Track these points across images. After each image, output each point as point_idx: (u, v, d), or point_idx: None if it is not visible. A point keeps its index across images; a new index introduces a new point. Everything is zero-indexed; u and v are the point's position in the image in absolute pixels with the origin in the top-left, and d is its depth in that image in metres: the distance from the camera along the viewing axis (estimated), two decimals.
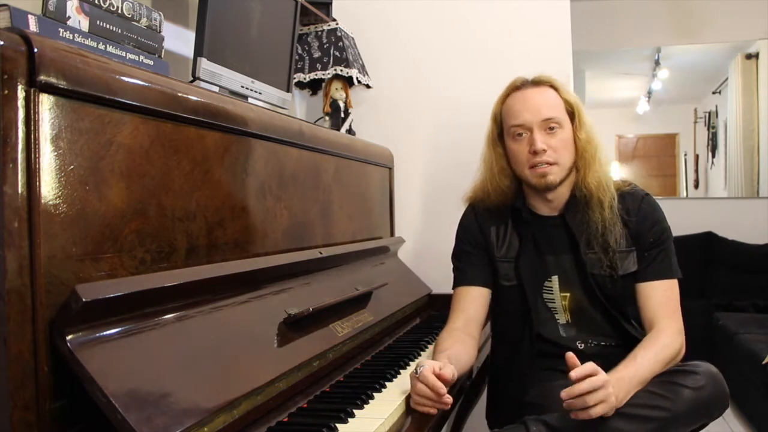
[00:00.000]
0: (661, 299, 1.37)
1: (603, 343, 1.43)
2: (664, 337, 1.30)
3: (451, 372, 1.15)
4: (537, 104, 1.39)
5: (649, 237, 1.41)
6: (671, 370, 1.22)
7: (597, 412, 1.09)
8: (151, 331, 0.88)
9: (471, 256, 1.52)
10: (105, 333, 0.81)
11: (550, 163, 1.38)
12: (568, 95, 1.43)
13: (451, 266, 1.56)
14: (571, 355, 1.13)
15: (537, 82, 1.44)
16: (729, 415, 3.14)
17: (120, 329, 0.83)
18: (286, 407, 1.08)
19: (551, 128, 1.38)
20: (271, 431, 0.99)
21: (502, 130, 1.47)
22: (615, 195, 1.41)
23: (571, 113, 1.42)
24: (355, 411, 1.07)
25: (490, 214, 1.51)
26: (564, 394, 1.09)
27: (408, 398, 1.18)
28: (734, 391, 3.22)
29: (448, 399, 1.10)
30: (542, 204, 1.47)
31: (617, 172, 5.05)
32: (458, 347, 1.34)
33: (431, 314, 2.01)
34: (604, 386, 1.09)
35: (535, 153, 1.37)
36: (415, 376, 1.14)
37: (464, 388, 1.38)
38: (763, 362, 2.67)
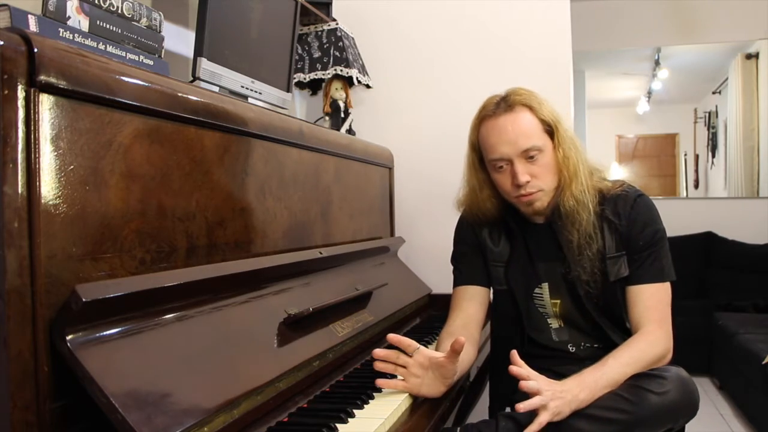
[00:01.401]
0: (648, 303, 1.34)
1: (596, 345, 1.43)
2: (643, 341, 1.28)
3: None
4: (514, 136, 1.32)
5: (639, 240, 1.37)
6: (640, 374, 1.21)
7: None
8: (151, 331, 0.88)
9: (469, 256, 1.52)
10: (105, 333, 0.81)
11: (534, 192, 1.35)
12: (544, 113, 1.35)
13: (451, 267, 1.56)
14: (515, 357, 1.18)
15: (510, 105, 1.35)
16: (729, 415, 3.14)
17: (120, 329, 0.83)
18: (286, 407, 1.08)
19: (531, 156, 1.33)
20: (271, 431, 0.99)
21: (482, 156, 1.42)
22: (592, 210, 1.36)
23: (550, 131, 1.36)
24: (355, 411, 1.07)
25: (482, 221, 1.50)
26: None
27: (408, 398, 1.18)
28: (734, 391, 3.25)
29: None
30: (531, 214, 1.44)
31: (617, 172, 5.05)
32: None
33: (431, 314, 2.01)
34: (547, 407, 1.12)
35: (518, 186, 1.35)
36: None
37: (464, 388, 1.38)
38: (763, 362, 2.67)
